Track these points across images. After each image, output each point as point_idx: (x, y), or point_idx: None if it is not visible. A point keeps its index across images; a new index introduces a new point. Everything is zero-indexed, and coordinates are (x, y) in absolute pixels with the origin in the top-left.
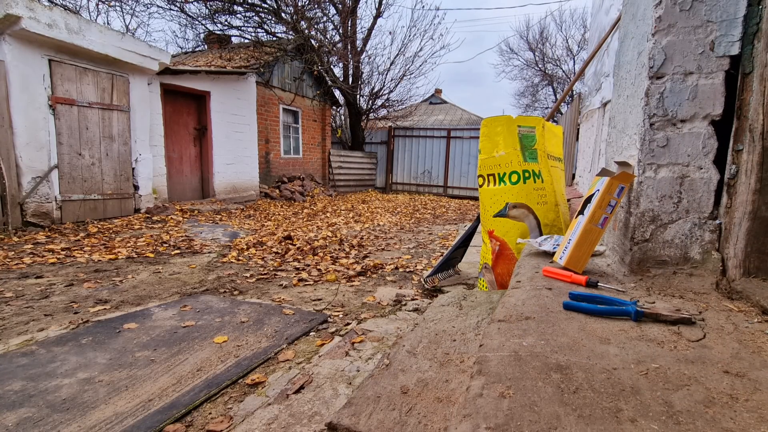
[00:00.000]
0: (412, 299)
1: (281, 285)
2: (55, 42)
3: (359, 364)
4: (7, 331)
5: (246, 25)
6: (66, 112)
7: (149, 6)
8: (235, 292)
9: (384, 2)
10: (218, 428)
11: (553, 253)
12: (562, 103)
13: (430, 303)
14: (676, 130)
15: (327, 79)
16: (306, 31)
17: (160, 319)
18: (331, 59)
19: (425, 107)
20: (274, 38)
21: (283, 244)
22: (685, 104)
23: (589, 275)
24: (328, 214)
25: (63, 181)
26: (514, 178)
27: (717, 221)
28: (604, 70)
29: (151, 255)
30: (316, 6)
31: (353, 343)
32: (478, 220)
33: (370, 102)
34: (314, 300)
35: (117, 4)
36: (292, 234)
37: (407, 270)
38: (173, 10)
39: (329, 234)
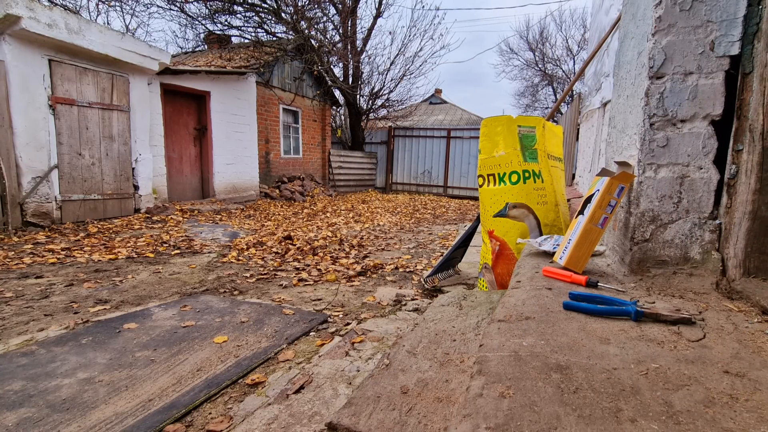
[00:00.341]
0: (412, 299)
1: (281, 285)
2: (55, 42)
3: (359, 364)
4: (7, 331)
5: (246, 25)
6: (66, 112)
7: (149, 6)
8: (235, 292)
9: (384, 2)
10: (218, 428)
11: (553, 253)
12: (562, 103)
13: (430, 303)
14: (676, 130)
15: (327, 79)
16: (306, 31)
17: (160, 319)
18: (331, 59)
19: (425, 107)
20: (274, 38)
21: (283, 244)
22: (685, 104)
23: (589, 275)
24: (328, 214)
25: (63, 181)
26: (514, 178)
27: (717, 221)
28: (604, 70)
29: (151, 255)
30: (316, 6)
31: (353, 343)
32: (478, 220)
33: (370, 102)
34: (314, 300)
35: (117, 4)
36: (292, 234)
37: (407, 270)
38: (173, 10)
39: (329, 234)
